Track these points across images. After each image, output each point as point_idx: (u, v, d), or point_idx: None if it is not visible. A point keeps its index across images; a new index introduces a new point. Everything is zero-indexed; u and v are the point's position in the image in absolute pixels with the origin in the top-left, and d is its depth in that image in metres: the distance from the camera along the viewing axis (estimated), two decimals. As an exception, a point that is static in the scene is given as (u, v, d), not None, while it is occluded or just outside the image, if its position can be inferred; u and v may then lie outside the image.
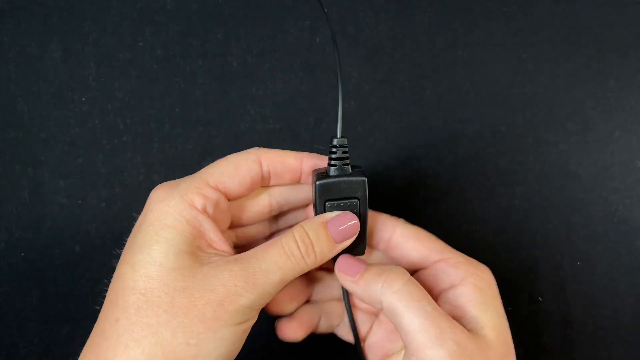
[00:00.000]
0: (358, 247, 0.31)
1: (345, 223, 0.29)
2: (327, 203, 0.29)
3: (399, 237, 0.31)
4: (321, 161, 0.31)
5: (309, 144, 0.42)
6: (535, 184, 0.43)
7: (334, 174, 0.29)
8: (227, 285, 0.26)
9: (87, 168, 0.40)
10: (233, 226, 0.32)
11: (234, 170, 0.29)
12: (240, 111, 0.41)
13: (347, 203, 0.29)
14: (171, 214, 0.27)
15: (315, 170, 0.30)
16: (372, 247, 0.33)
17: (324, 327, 0.34)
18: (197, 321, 0.25)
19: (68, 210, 0.40)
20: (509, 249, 0.43)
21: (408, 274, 0.29)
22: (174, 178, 0.41)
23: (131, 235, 0.28)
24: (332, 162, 0.29)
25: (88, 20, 0.40)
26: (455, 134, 0.43)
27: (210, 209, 0.28)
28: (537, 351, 0.43)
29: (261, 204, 0.32)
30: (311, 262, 0.28)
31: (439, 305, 0.29)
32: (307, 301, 0.34)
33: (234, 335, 0.26)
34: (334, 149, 0.30)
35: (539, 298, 0.43)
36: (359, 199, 0.29)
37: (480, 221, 0.43)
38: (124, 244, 0.41)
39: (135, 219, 0.41)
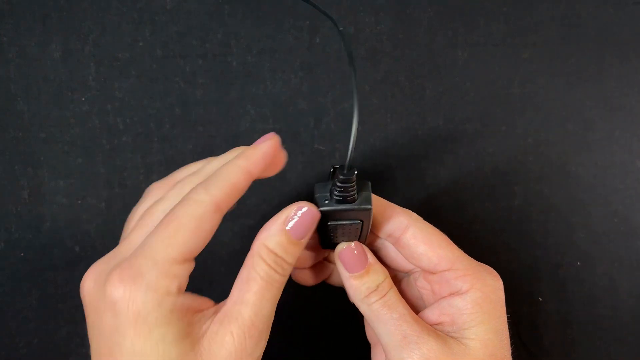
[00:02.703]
0: None
1: (301, 218, 0.27)
2: (329, 223, 0.28)
3: (411, 238, 0.30)
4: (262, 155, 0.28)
5: (309, 144, 0.42)
6: (535, 184, 0.43)
7: (340, 206, 0.27)
8: (235, 351, 0.25)
9: (86, 168, 0.40)
10: None
11: (197, 232, 0.25)
12: (240, 111, 0.41)
13: (349, 223, 0.28)
14: (151, 311, 0.24)
15: (318, 185, 0.28)
16: (382, 238, 0.32)
17: (335, 281, 0.35)
18: None
19: (68, 210, 0.40)
20: (509, 249, 0.43)
21: (392, 285, 0.30)
22: (173, 178, 0.41)
23: (106, 336, 0.25)
24: (337, 196, 0.27)
25: (88, 20, 0.40)
26: (455, 134, 0.43)
27: (184, 283, 0.25)
28: (537, 351, 0.43)
29: None
30: (288, 272, 0.27)
31: (431, 309, 0.30)
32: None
33: None
34: (339, 184, 0.27)
35: (539, 298, 0.43)
36: (362, 221, 0.29)
37: (480, 221, 0.43)
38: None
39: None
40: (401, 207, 0.31)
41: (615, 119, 0.43)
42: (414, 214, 0.31)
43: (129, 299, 0.24)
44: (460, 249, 0.31)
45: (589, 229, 0.43)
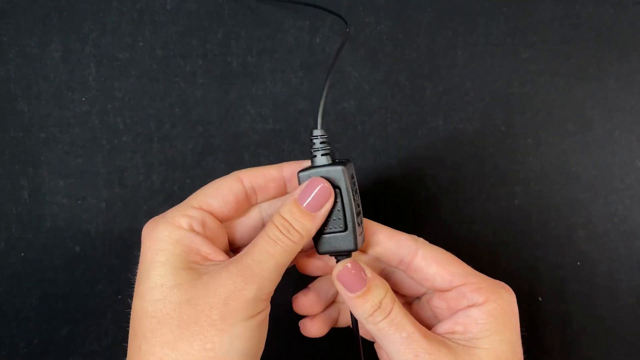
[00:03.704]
0: (347, 239, 0.30)
1: (313, 190, 0.29)
2: None
3: (421, 260, 0.31)
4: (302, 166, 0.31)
5: (308, 144, 0.42)
6: (535, 184, 0.43)
7: (315, 164, 0.30)
8: (226, 285, 0.27)
9: (87, 168, 0.40)
10: (233, 247, 0.33)
11: (216, 190, 0.30)
12: (240, 111, 0.41)
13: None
14: (161, 239, 0.28)
15: (302, 169, 0.31)
16: (394, 267, 0.32)
17: (342, 323, 0.35)
18: (208, 326, 0.26)
19: (68, 210, 0.40)
20: (509, 249, 0.43)
21: (395, 299, 0.29)
22: (174, 178, 0.41)
23: (138, 271, 0.29)
24: (313, 153, 0.30)
25: (88, 20, 0.40)
26: (455, 134, 0.43)
27: (197, 227, 0.29)
28: (537, 351, 0.43)
29: (253, 220, 0.32)
30: (297, 239, 0.28)
31: (445, 322, 0.30)
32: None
33: (248, 330, 0.27)
34: (313, 140, 0.30)
35: (539, 298, 0.43)
36: (340, 189, 0.29)
37: (480, 221, 0.43)
38: (123, 244, 0.41)
39: (134, 220, 0.41)
40: (407, 234, 0.31)
41: (615, 119, 0.43)
42: (421, 238, 0.31)
43: (151, 230, 0.29)
44: (470, 266, 0.31)
45: (589, 229, 0.43)
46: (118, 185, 0.41)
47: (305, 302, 0.33)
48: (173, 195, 0.41)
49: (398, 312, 0.29)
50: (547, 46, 0.43)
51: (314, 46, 0.42)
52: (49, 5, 0.40)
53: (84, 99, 0.41)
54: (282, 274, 0.29)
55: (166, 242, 0.28)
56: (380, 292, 0.29)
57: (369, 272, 0.30)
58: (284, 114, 0.42)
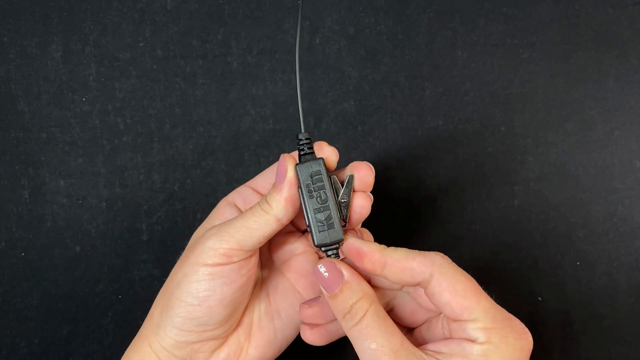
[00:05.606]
0: (311, 236, 0.30)
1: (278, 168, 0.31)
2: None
3: (435, 286, 0.28)
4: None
5: (309, 144, 0.42)
6: (535, 184, 0.43)
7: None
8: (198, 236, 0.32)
9: (87, 168, 0.41)
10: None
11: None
12: (240, 111, 0.42)
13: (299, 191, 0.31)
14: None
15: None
16: (412, 287, 0.31)
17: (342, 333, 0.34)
18: (183, 264, 0.31)
19: (68, 210, 0.40)
20: (509, 249, 0.43)
21: (370, 305, 0.28)
22: (174, 178, 0.41)
23: None
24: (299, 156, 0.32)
25: (88, 21, 0.40)
26: (455, 134, 0.43)
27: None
28: (537, 351, 0.43)
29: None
30: (267, 208, 0.30)
31: (437, 343, 0.29)
32: None
33: (206, 275, 0.30)
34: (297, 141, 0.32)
35: (539, 298, 0.43)
36: (300, 189, 0.30)
37: (480, 221, 0.43)
38: (123, 244, 0.41)
39: (134, 220, 0.41)
40: (425, 253, 0.29)
41: (615, 119, 0.43)
42: (439, 258, 0.29)
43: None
44: (488, 298, 0.28)
45: (589, 228, 0.43)
46: (118, 185, 0.41)
47: (309, 313, 0.32)
48: (173, 195, 0.41)
49: (372, 320, 0.27)
50: (547, 46, 0.43)
51: (314, 46, 0.42)
52: (49, 5, 0.40)
53: (84, 99, 0.41)
54: (254, 238, 0.30)
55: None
56: (352, 295, 0.28)
57: (346, 274, 0.29)
58: (284, 114, 0.42)
